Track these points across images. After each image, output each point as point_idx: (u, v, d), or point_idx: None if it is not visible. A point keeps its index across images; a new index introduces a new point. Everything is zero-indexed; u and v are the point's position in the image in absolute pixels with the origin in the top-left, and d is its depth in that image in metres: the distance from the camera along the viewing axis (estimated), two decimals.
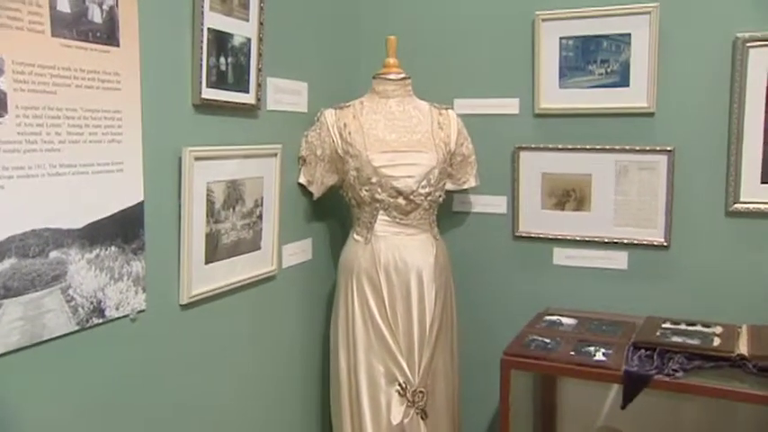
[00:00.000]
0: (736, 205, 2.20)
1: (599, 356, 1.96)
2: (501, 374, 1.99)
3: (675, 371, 1.83)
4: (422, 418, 2.30)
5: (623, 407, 1.87)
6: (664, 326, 2.14)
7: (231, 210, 1.95)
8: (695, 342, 1.97)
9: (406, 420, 2.24)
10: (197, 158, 1.77)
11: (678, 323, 2.15)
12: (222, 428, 2.00)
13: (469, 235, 2.59)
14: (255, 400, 2.14)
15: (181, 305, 1.80)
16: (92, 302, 1.52)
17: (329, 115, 2.30)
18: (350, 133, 2.26)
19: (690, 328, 2.11)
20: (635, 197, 2.32)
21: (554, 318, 2.32)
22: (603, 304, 2.39)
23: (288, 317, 2.31)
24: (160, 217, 1.71)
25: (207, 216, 1.85)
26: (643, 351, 1.96)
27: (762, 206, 2.17)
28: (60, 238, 1.43)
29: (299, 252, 2.34)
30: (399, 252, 2.24)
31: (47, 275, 1.41)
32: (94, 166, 1.51)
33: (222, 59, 1.90)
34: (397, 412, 2.24)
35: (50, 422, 1.46)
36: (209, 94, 1.85)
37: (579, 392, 2.47)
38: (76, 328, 1.49)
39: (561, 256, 2.46)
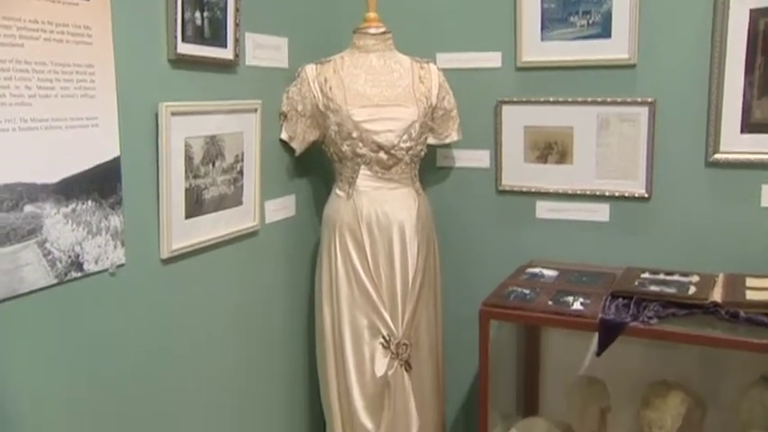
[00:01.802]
0: (716, 155, 2.20)
1: (576, 306, 1.99)
2: (480, 325, 2.02)
3: (650, 318, 1.86)
4: (406, 369, 2.35)
5: (598, 354, 1.90)
6: (642, 276, 2.17)
7: (211, 165, 1.96)
8: (671, 291, 2.00)
9: (390, 372, 2.29)
10: (174, 114, 1.77)
11: (657, 273, 2.18)
12: (205, 383, 2.03)
13: (453, 190, 2.60)
14: (238, 355, 2.18)
15: (162, 260, 1.82)
16: (69, 256, 1.53)
17: (310, 70, 2.29)
18: (330, 88, 2.25)
19: (668, 277, 2.13)
20: (616, 149, 2.33)
21: (536, 270, 2.35)
22: (585, 256, 2.41)
23: (271, 272, 2.33)
24: (138, 172, 1.72)
25: (186, 171, 1.85)
26: (620, 300, 1.99)
27: (741, 156, 2.17)
28: (34, 192, 1.44)
29: (281, 208, 2.35)
30: (381, 206, 2.26)
31: (22, 229, 1.42)
32: (68, 120, 1.51)
33: (198, 14, 1.88)
34: (381, 364, 2.28)
35: (28, 375, 1.48)
36: (185, 49, 1.83)
37: (561, 345, 2.51)
38: (55, 281, 1.51)
39: (544, 210, 2.47)
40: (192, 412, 1.99)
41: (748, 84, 2.13)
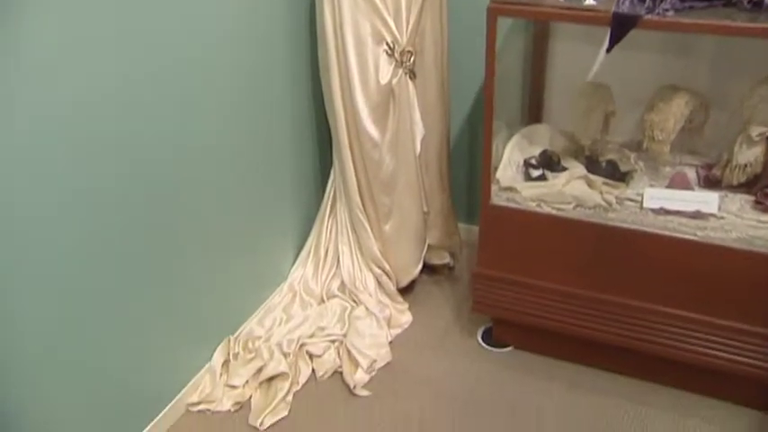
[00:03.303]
0: None
1: (589, 1, 1.89)
2: (487, 24, 1.93)
3: (666, 10, 1.77)
4: (410, 78, 2.32)
5: (608, 50, 1.84)
6: None
7: None
8: None
9: (394, 80, 2.26)
10: None
11: None
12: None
13: None
14: (241, 54, 2.14)
15: None
16: None
17: None
18: None
19: None
20: None
21: None
22: None
23: None
24: None
25: None
26: None
27: None
28: None
29: None
30: None
31: None
32: None
33: None
34: (386, 72, 2.25)
35: None
36: None
37: (569, 53, 2.45)
38: None
39: None
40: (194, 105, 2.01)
41: None
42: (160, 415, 2.07)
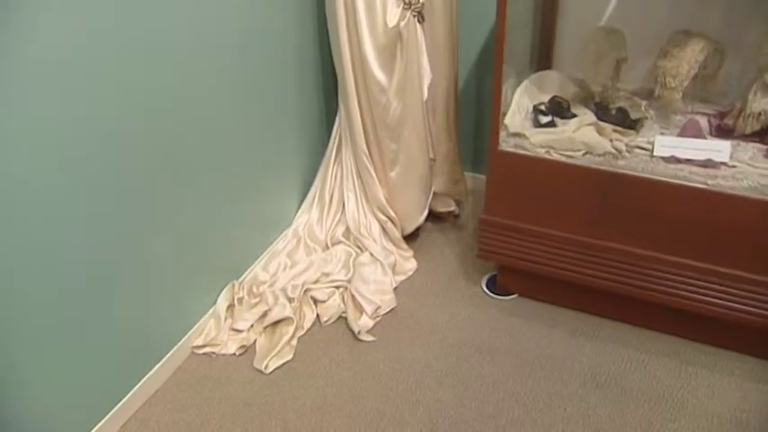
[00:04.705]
0: None
1: None
2: None
3: None
4: (419, 21, 2.27)
5: None
6: None
7: None
8: None
9: (402, 23, 2.21)
10: None
11: None
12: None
13: None
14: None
15: None
16: None
17: None
18: None
19: None
20: None
21: None
22: None
23: None
24: None
25: None
26: None
27: None
28: None
29: None
30: None
31: None
32: None
33: None
34: (393, 15, 2.20)
35: None
36: None
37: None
38: None
39: None
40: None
41: None
42: (166, 357, 2.09)
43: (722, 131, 2.05)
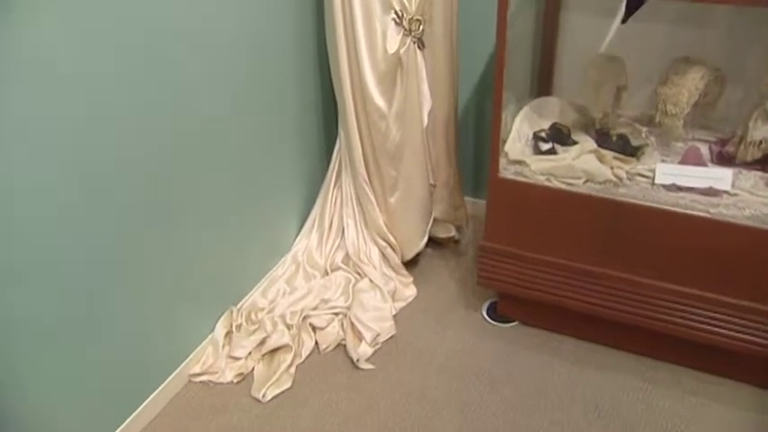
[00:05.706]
0: None
1: None
2: None
3: None
4: (419, 47, 2.28)
5: (624, 21, 1.80)
6: None
7: None
8: None
9: (402, 50, 2.22)
10: None
11: None
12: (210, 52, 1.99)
13: None
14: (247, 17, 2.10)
15: None
16: None
17: None
18: None
19: None
20: None
21: None
22: None
23: None
24: None
25: None
26: None
27: None
28: None
29: None
30: None
31: None
32: None
33: None
34: (394, 41, 2.20)
35: None
36: None
37: (581, 26, 2.40)
38: None
39: None
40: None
41: None
42: (162, 385, 2.06)
43: (723, 159, 2.05)
